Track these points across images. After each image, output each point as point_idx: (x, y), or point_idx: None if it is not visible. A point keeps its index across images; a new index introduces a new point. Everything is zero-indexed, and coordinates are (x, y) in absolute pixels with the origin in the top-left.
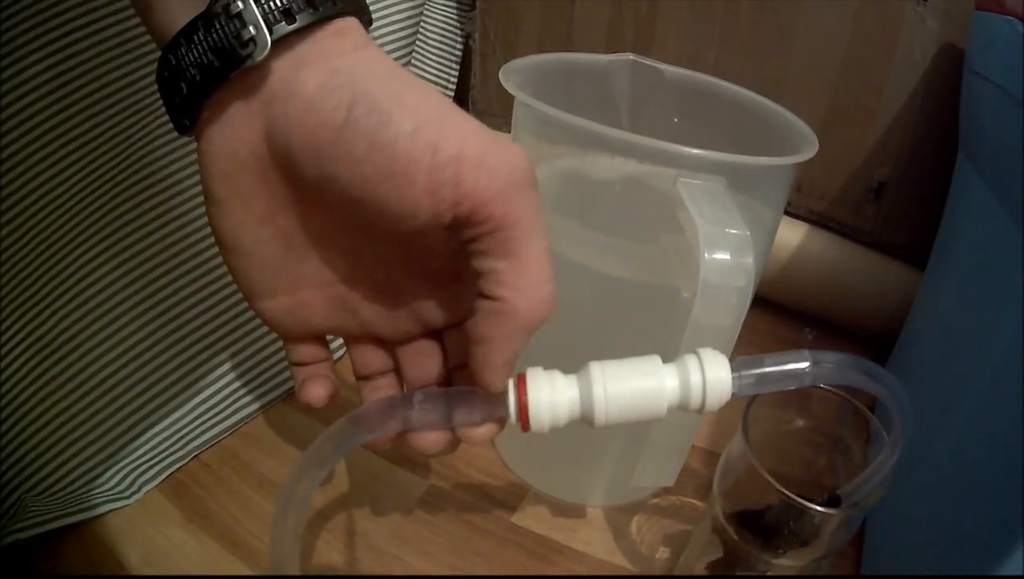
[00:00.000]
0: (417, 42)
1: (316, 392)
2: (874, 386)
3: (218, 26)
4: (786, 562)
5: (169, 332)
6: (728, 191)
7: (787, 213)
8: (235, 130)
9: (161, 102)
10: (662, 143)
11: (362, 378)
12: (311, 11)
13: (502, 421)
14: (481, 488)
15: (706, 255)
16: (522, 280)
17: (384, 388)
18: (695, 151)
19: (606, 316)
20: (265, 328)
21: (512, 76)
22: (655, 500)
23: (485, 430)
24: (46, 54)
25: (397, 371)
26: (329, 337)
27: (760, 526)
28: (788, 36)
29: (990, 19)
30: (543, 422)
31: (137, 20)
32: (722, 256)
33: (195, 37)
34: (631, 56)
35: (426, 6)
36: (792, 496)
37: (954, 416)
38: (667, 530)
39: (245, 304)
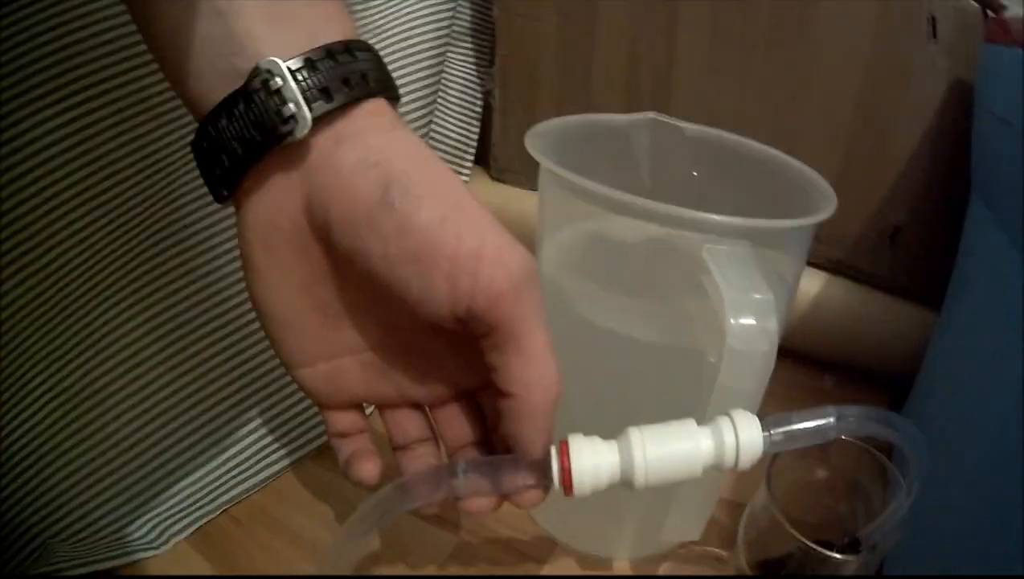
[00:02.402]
0: (438, 99)
1: (369, 470)
2: (893, 434)
3: (258, 101)
4: None
5: (198, 388)
6: (753, 253)
7: (807, 262)
8: (275, 201)
9: (185, 160)
10: (687, 211)
11: (399, 448)
12: (347, 91)
13: (547, 486)
14: (510, 543)
15: (731, 321)
16: (532, 374)
17: (423, 457)
18: (719, 218)
19: (632, 379)
20: (292, 392)
21: (536, 141)
22: (680, 550)
23: (532, 494)
24: (63, 108)
25: (433, 439)
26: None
27: (783, 574)
28: (803, 86)
29: (999, 52)
30: (585, 487)
31: (157, 78)
32: (747, 321)
33: (235, 111)
34: (652, 115)
35: (446, 63)
36: (813, 546)
37: (967, 457)
38: None
39: (274, 361)
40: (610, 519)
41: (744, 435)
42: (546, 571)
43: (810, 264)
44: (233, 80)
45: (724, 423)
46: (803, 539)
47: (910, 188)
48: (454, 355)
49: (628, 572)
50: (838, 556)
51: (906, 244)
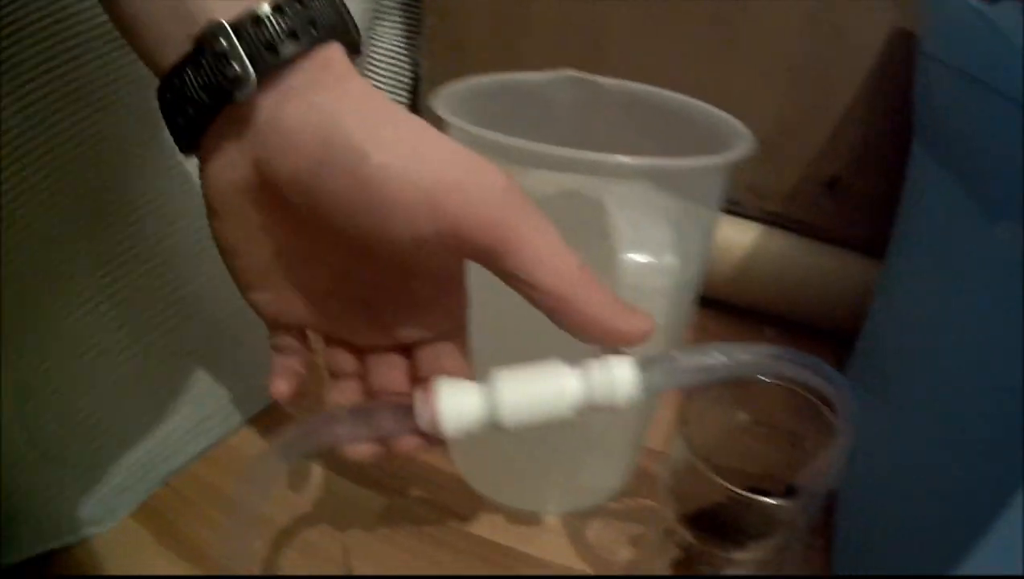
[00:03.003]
0: (367, 71)
1: (279, 387)
2: (803, 373)
3: (205, 64)
4: (747, 555)
5: (137, 365)
6: (659, 195)
7: (740, 214)
8: (229, 159)
9: (141, 106)
10: (589, 154)
11: (332, 376)
12: (295, 42)
13: (422, 431)
14: (438, 502)
15: (627, 257)
16: (550, 278)
17: (347, 390)
18: (617, 158)
19: (545, 327)
20: (226, 365)
21: (447, 100)
22: (613, 504)
23: (410, 440)
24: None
25: (364, 378)
26: None
27: (716, 524)
28: (736, 43)
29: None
30: (453, 429)
31: (114, 45)
32: (642, 258)
33: (186, 75)
34: (570, 72)
35: (374, 32)
36: (740, 491)
37: (917, 403)
38: (625, 533)
39: (208, 344)
40: (535, 473)
41: (616, 373)
42: (473, 529)
43: (745, 216)
44: (184, 43)
45: (594, 362)
46: (727, 485)
47: (848, 138)
48: (398, 312)
49: (557, 526)
50: (771, 502)
51: (845, 193)
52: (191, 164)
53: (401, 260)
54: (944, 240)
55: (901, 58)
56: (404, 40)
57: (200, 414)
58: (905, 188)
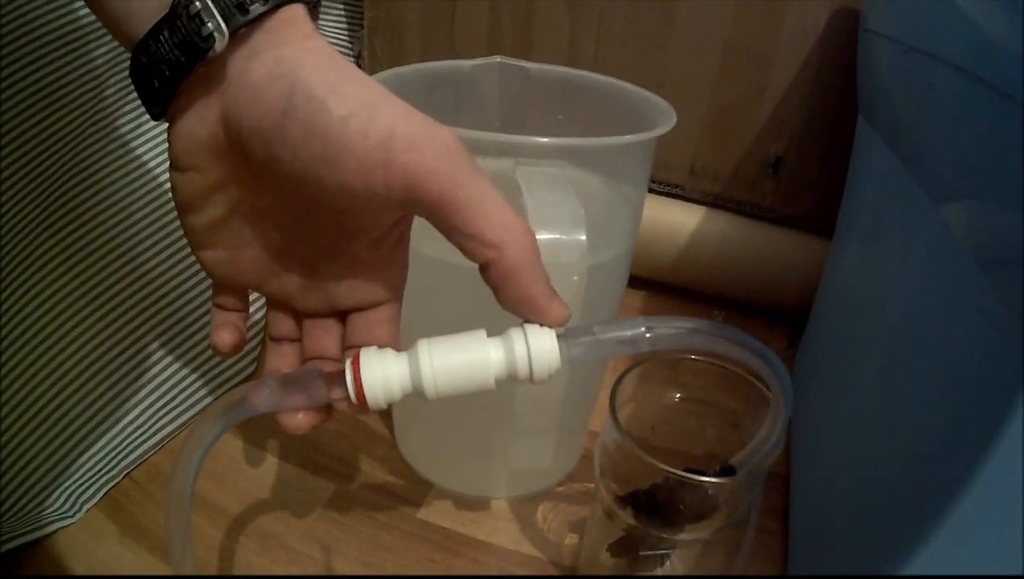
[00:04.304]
0: None
1: (223, 337)
2: (727, 346)
3: (180, 24)
4: (689, 536)
5: (97, 356)
6: (569, 173)
7: (682, 197)
8: (197, 114)
9: (95, 105)
10: (501, 135)
11: (273, 339)
12: (262, 2)
13: (346, 399)
14: (386, 487)
15: (536, 235)
16: (496, 234)
17: (286, 354)
18: (532, 139)
19: (465, 306)
20: (183, 357)
21: None
22: (560, 488)
23: (342, 408)
24: None
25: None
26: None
27: (653, 505)
28: (668, 24)
29: None
30: (378, 397)
31: (78, 15)
32: (551, 235)
33: (161, 37)
34: (499, 59)
35: (317, 26)
36: (673, 470)
37: (863, 386)
38: (573, 516)
39: (165, 336)
40: (479, 458)
41: (535, 344)
42: (421, 514)
43: (687, 199)
44: (159, 9)
45: (515, 333)
46: (657, 463)
47: (791, 117)
48: (339, 278)
49: (505, 510)
50: (705, 480)
51: (790, 173)
52: (149, 158)
53: (350, 216)
54: (887, 219)
55: (845, 36)
56: (347, 33)
57: (160, 404)
58: (850, 167)
